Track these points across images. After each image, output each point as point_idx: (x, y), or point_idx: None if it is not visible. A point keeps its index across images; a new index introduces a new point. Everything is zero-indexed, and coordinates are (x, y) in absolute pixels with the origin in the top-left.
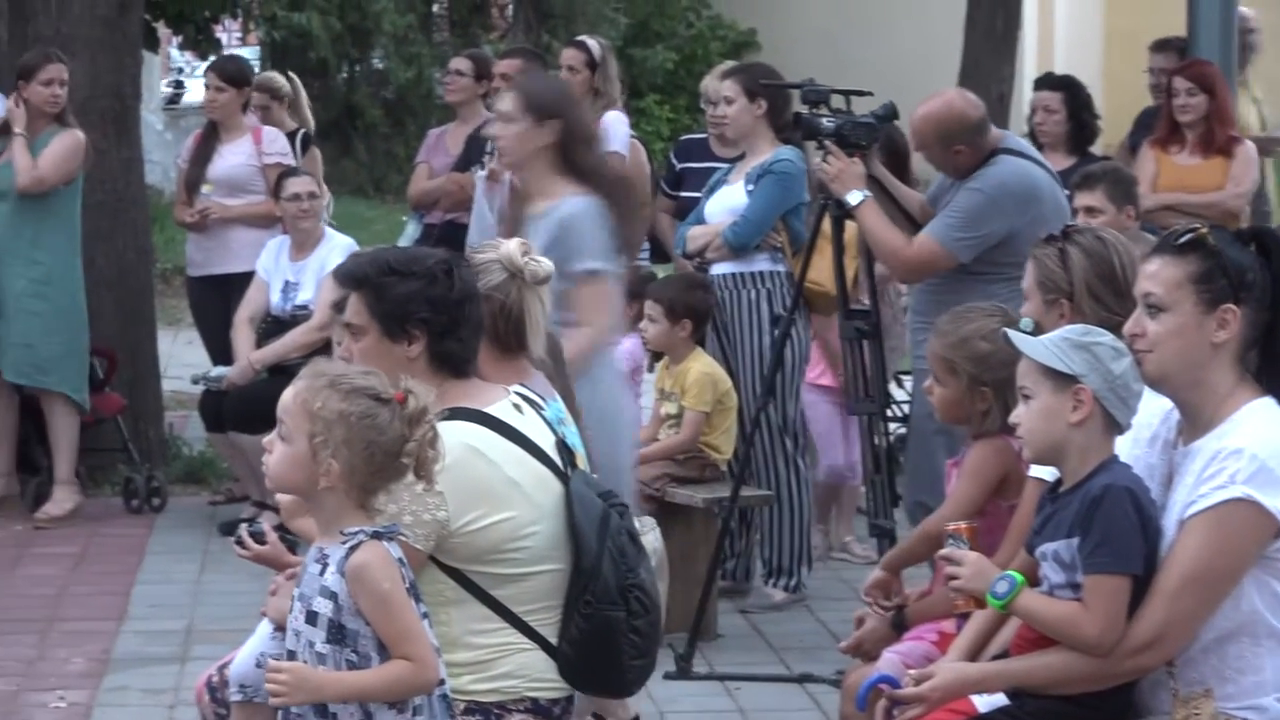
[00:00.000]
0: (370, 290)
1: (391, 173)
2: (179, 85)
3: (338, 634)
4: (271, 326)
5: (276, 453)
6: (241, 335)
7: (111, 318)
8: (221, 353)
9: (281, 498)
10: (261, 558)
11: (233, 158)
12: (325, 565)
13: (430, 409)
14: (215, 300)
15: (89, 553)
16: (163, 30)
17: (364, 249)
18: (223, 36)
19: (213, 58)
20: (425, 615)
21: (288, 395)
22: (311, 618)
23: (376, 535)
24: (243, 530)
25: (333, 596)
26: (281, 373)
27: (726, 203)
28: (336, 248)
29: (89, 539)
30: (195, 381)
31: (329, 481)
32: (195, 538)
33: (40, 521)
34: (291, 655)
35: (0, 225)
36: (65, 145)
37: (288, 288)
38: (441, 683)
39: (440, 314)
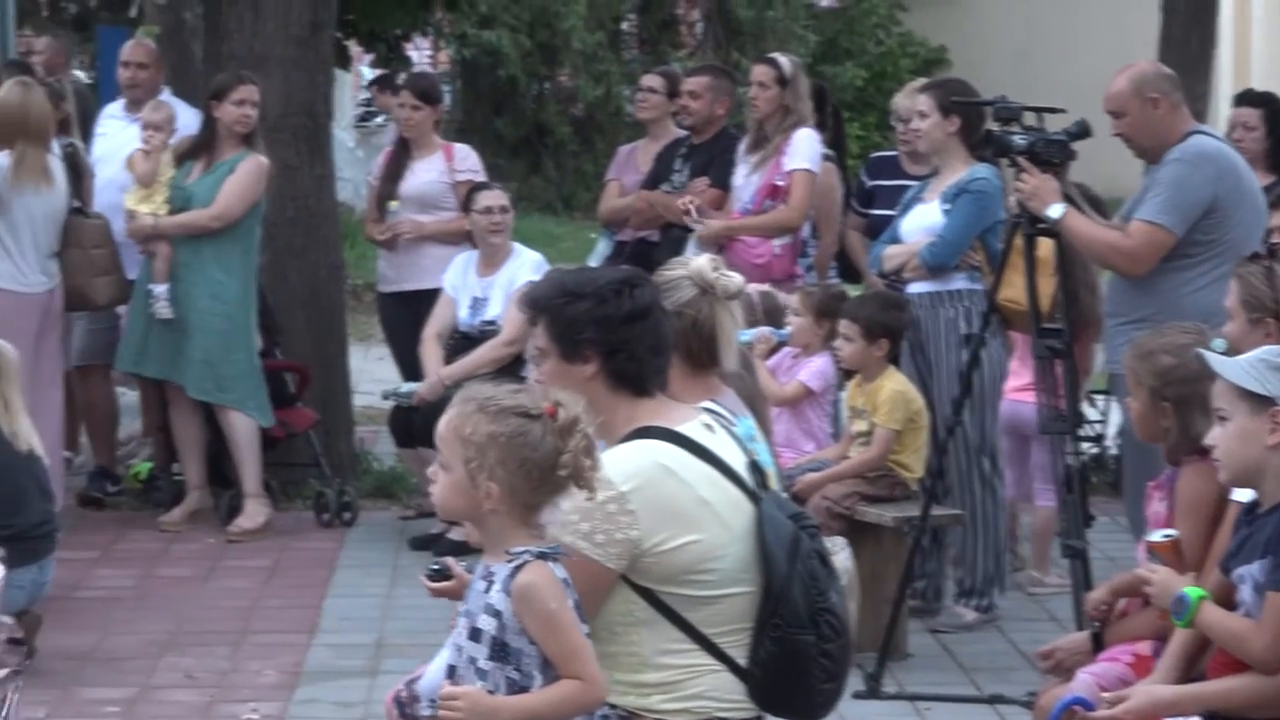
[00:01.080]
0: (547, 313)
1: (580, 190)
2: (370, 103)
3: (500, 651)
4: (460, 342)
5: (439, 482)
6: (430, 351)
7: (303, 333)
8: (412, 368)
9: (469, 526)
10: (448, 592)
11: (424, 174)
12: (491, 583)
13: (582, 418)
14: (406, 316)
15: (281, 566)
16: (354, 48)
17: (554, 266)
18: (413, 54)
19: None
20: (586, 635)
21: (442, 424)
22: (475, 634)
23: (542, 555)
24: (428, 570)
25: (497, 615)
26: None
27: (922, 221)
28: (525, 264)
29: (281, 553)
30: (386, 397)
31: (492, 504)
32: (385, 552)
33: (233, 535)
34: (453, 670)
35: (182, 244)
36: (246, 176)
37: (476, 304)
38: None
39: (609, 333)
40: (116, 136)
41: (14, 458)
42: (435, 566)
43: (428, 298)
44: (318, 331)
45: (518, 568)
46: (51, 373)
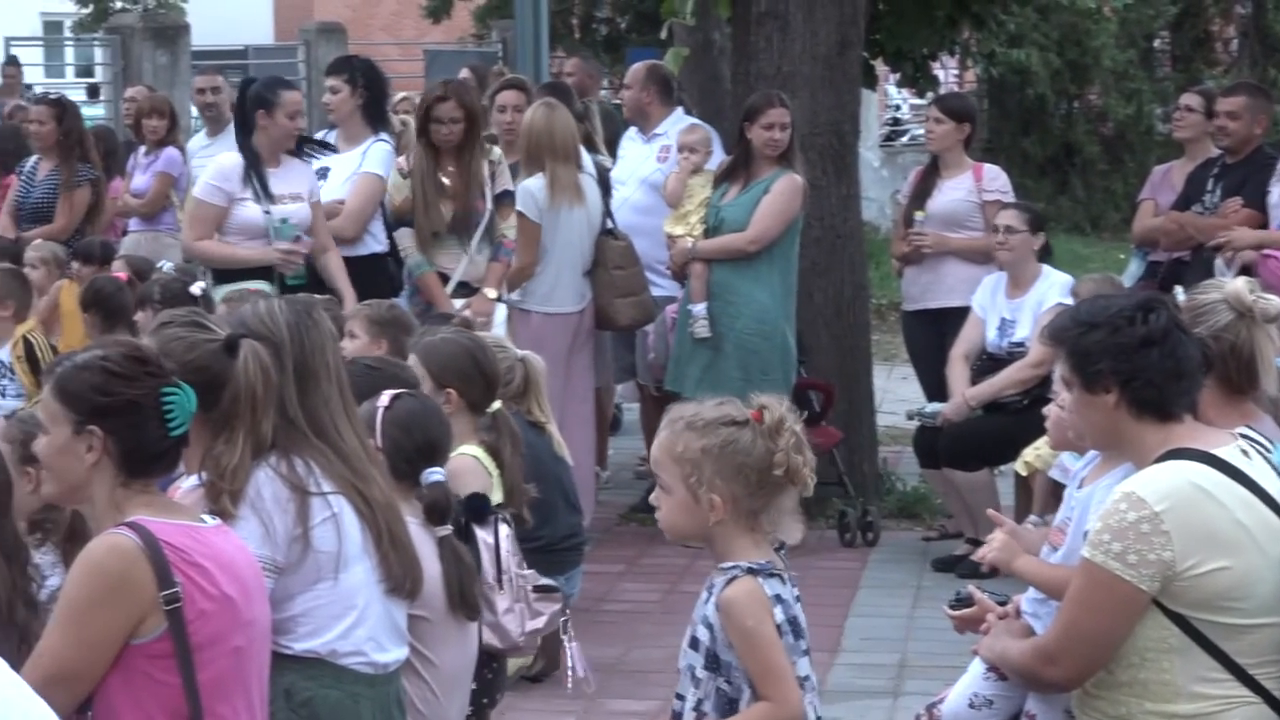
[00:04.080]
0: (1065, 345)
1: (1109, 210)
2: (896, 123)
3: (713, 663)
4: (987, 363)
5: (662, 506)
6: (957, 371)
7: (828, 352)
8: (936, 388)
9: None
10: (972, 620)
11: (952, 193)
12: (710, 594)
13: (788, 417)
14: (929, 335)
15: (804, 584)
16: (880, 68)
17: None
18: (940, 73)
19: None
20: (806, 652)
21: (655, 449)
22: (694, 643)
23: (751, 571)
24: (951, 601)
25: (710, 627)
26: (997, 410)
27: None
28: (1054, 285)
29: (804, 570)
30: (910, 417)
31: (717, 516)
32: (908, 573)
33: None
34: (691, 671)
35: (720, 264)
36: (780, 197)
37: (1004, 325)
38: None
39: (1124, 362)
40: (632, 158)
41: (544, 470)
42: (959, 595)
43: (952, 316)
44: (842, 350)
45: (728, 582)
46: (582, 389)
